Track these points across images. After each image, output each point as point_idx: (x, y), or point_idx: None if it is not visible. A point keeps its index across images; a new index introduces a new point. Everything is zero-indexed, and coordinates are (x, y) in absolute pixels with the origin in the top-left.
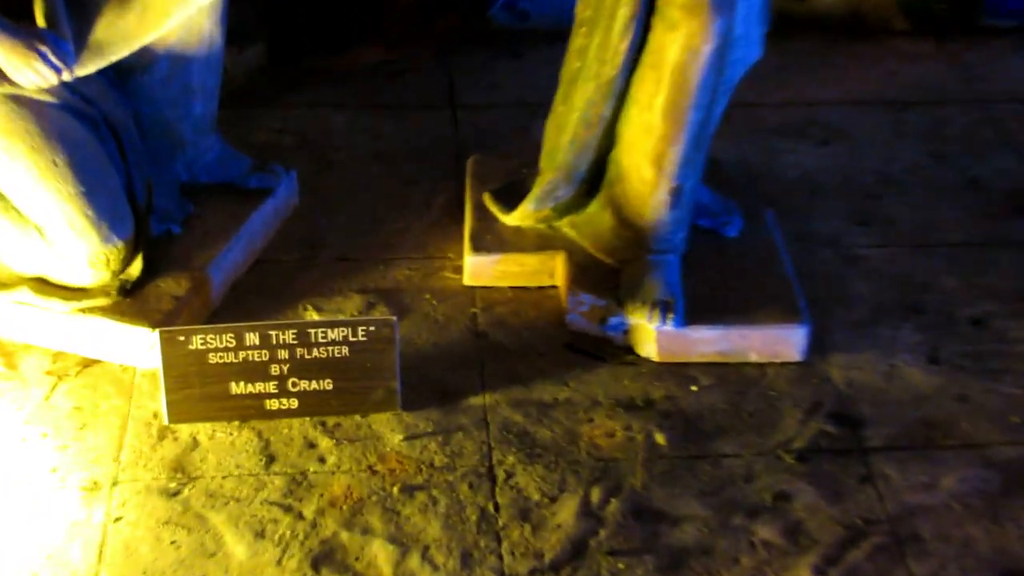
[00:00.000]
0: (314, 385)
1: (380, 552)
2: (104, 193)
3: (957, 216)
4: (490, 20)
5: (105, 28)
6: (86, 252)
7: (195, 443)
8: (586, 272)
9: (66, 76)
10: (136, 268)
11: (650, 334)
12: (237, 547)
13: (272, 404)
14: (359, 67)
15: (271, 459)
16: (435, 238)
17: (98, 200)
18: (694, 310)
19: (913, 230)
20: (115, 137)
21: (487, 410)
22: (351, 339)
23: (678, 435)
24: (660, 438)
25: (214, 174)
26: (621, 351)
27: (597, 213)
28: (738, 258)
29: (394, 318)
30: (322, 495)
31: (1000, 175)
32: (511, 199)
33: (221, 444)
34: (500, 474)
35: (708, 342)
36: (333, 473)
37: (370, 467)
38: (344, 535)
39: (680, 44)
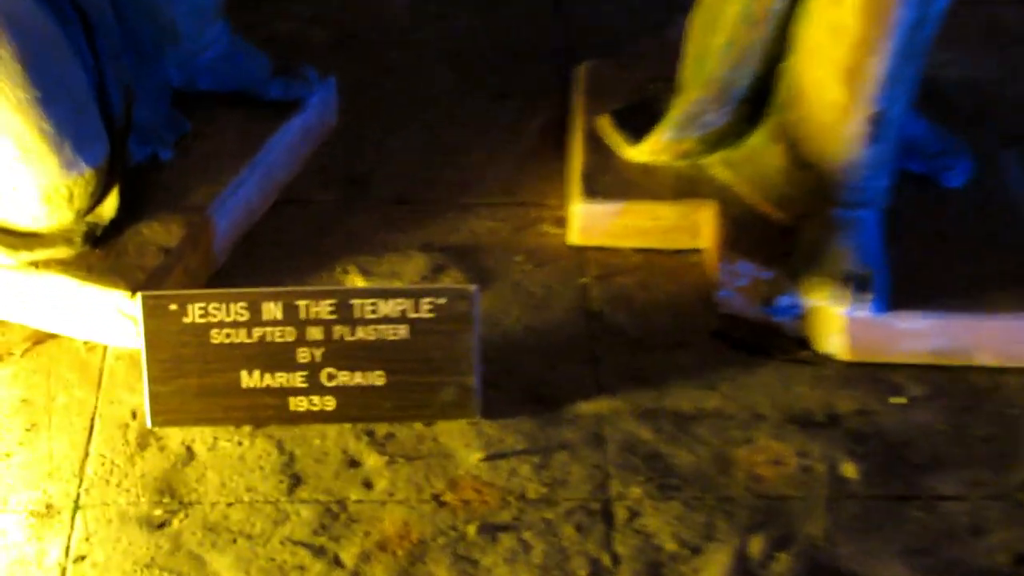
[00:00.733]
0: (358, 379)
1: None
2: (66, 100)
3: None
4: None
5: None
6: (40, 182)
7: (190, 455)
8: (745, 231)
9: None
10: (110, 207)
11: (836, 322)
12: None
13: (299, 403)
14: None
15: (296, 481)
16: (530, 177)
17: (57, 110)
18: (900, 290)
19: None
20: (83, 21)
21: (603, 422)
22: (411, 315)
23: (875, 466)
24: (849, 470)
25: (220, 78)
26: (793, 344)
27: (762, 147)
28: (963, 218)
29: (473, 287)
30: (368, 534)
31: None
32: (639, 125)
33: (226, 458)
34: (620, 513)
35: (919, 336)
36: (384, 503)
37: (436, 496)
38: None
39: None
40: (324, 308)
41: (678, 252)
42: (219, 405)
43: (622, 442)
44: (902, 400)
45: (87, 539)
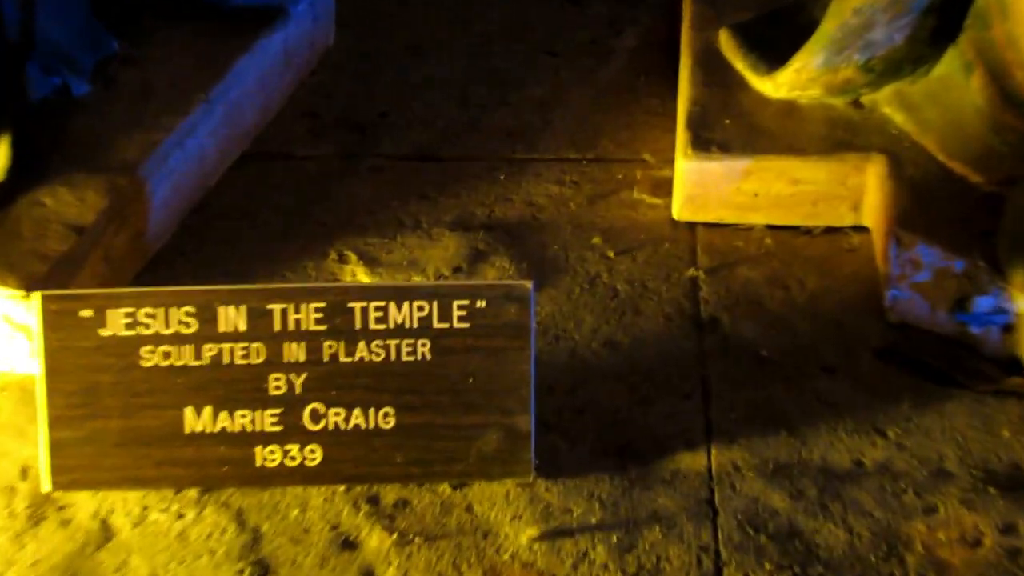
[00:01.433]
0: (357, 419)
1: None
2: None
3: None
4: None
5: None
6: None
7: (106, 533)
8: (928, 200)
9: None
10: None
11: None
12: None
13: (270, 456)
14: None
15: (264, 572)
16: (613, 121)
17: None
18: None
19: None
20: None
21: (715, 483)
22: (436, 325)
23: None
24: None
25: None
26: (996, 368)
27: (954, 79)
28: None
29: (528, 284)
30: None
31: None
32: (776, 45)
33: (159, 537)
34: None
35: None
36: None
37: None
38: None
39: None
40: (309, 314)
41: (829, 231)
42: (151, 459)
43: (743, 513)
44: None
45: None
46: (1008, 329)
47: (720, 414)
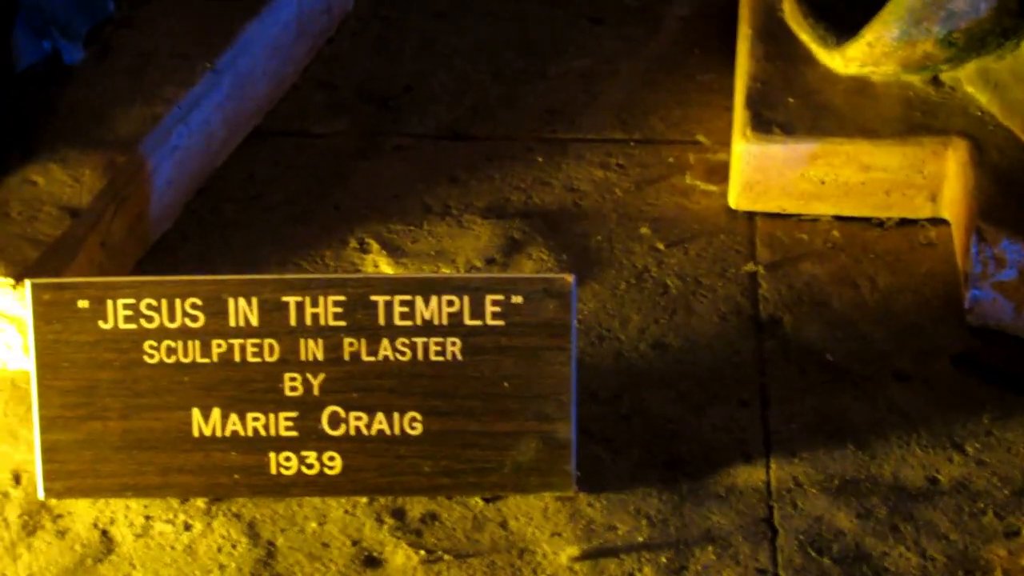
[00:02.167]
0: (380, 424)
1: None
2: None
3: None
4: None
5: None
6: None
7: (106, 545)
8: (1015, 190)
9: None
10: None
11: None
12: None
13: (285, 464)
14: None
15: None
16: (664, 98)
17: None
18: None
19: None
20: None
21: (774, 499)
22: (468, 323)
23: None
24: None
25: None
26: None
27: None
28: None
29: (570, 278)
30: None
31: None
32: (844, 15)
33: (164, 550)
34: None
35: None
36: None
37: None
38: None
39: None
40: (327, 309)
41: (903, 224)
42: (155, 465)
43: (804, 533)
44: None
45: None
46: None
47: (780, 424)
